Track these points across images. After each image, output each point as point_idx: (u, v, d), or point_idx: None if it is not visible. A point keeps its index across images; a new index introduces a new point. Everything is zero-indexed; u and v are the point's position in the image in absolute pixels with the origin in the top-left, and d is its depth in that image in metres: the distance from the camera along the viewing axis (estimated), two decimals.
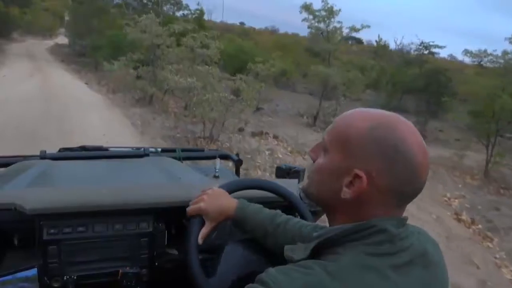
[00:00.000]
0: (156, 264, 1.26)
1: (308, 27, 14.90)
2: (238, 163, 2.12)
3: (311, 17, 14.34)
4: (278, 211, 1.15)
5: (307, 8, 14.34)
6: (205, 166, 2.13)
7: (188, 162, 2.20)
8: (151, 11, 12.67)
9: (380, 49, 24.28)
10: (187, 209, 1.15)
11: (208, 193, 1.14)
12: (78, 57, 23.06)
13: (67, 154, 1.88)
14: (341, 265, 0.69)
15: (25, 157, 1.78)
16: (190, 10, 22.60)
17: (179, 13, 23.82)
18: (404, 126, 0.74)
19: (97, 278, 1.19)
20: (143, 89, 11.20)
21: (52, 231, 1.14)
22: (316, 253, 0.74)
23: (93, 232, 1.18)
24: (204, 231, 1.11)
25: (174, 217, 1.29)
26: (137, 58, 11.26)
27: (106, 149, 1.99)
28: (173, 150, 2.10)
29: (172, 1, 22.52)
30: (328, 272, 0.68)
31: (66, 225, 1.15)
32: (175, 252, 1.29)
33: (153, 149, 2.02)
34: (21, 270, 1.10)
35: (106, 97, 11.96)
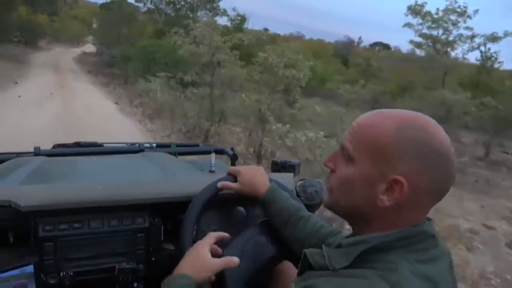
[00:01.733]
0: (153, 259, 1.26)
1: (419, 35, 11.22)
2: (233, 158, 2.07)
3: (420, 21, 10.95)
4: (303, 205, 1.15)
5: (416, 10, 10.93)
6: (200, 161, 2.04)
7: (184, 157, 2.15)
8: (191, 20, 10.11)
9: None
10: (229, 168, 1.22)
11: (249, 166, 1.21)
12: (106, 67, 21.69)
13: (62, 151, 1.85)
14: (401, 275, 0.66)
15: (19, 154, 1.74)
16: (228, 15, 20.38)
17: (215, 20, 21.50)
18: (432, 123, 0.73)
19: (93, 274, 1.18)
20: (198, 122, 8.82)
21: (47, 227, 1.13)
22: (357, 261, 0.70)
23: (89, 228, 1.17)
24: (229, 184, 1.16)
25: (170, 212, 1.28)
26: (182, 76, 8.84)
27: (101, 145, 1.94)
28: (168, 146, 2.05)
29: (208, 6, 20.37)
30: (389, 283, 0.65)
31: (61, 221, 1.15)
32: (171, 247, 1.27)
33: (148, 145, 1.99)
34: (17, 267, 1.09)
35: (143, 125, 9.77)
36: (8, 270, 1.08)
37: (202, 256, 0.95)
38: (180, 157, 2.02)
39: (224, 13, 21.12)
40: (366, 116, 0.76)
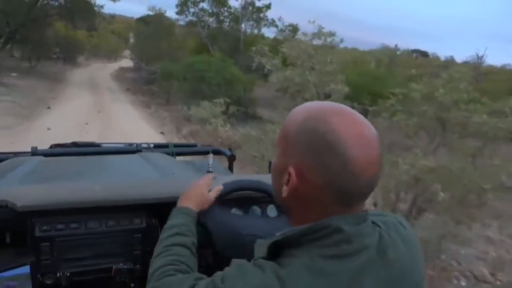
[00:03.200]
0: (150, 260, 1.16)
1: None
2: (231, 158, 2.05)
3: None
4: None
5: None
6: (198, 162, 2.03)
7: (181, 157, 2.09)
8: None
9: None
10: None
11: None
12: (145, 84, 20.30)
13: (59, 151, 1.83)
14: (292, 269, 0.67)
15: (16, 154, 1.73)
16: (276, 26, 18.52)
17: (261, 31, 19.64)
18: (340, 116, 0.69)
19: (90, 275, 1.18)
20: None
21: (44, 228, 1.13)
22: (275, 253, 0.72)
23: (86, 229, 1.17)
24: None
25: (167, 213, 1.19)
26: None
27: (98, 145, 1.93)
28: (166, 146, 2.03)
29: (254, 17, 18.60)
30: (278, 277, 0.66)
31: (58, 221, 1.14)
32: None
33: (145, 145, 1.97)
34: (14, 268, 1.08)
35: None
36: (5, 271, 1.07)
37: (203, 195, 1.08)
38: (178, 158, 1.99)
39: (273, 23, 19.34)
40: (295, 108, 0.75)
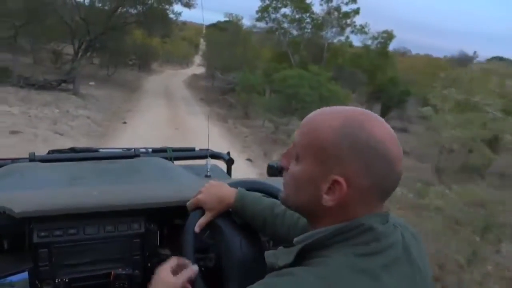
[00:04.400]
0: (149, 265, 1.24)
1: None
2: (229, 162, 2.04)
3: None
4: (276, 201, 1.09)
5: None
6: (196, 166, 1.99)
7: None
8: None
9: None
10: (187, 204, 1.12)
11: (206, 186, 1.13)
12: (219, 93, 19.17)
13: (57, 156, 1.82)
14: (331, 269, 0.66)
15: (13, 160, 1.72)
16: (366, 32, 16.58)
17: (349, 38, 17.79)
18: (371, 119, 0.71)
19: (89, 281, 1.17)
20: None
21: (42, 234, 1.12)
22: (301, 258, 0.71)
23: (84, 234, 1.16)
24: (202, 220, 1.08)
25: (166, 218, 1.28)
26: None
27: (96, 150, 1.92)
28: (164, 150, 2.02)
29: (340, 23, 16.82)
30: (317, 277, 0.65)
31: (56, 227, 1.13)
32: (168, 252, 1.26)
33: (143, 150, 1.95)
34: (12, 274, 1.07)
35: None
36: (3, 277, 1.06)
37: (164, 279, 0.95)
38: (176, 162, 1.98)
39: (361, 30, 17.44)
40: (313, 114, 0.75)
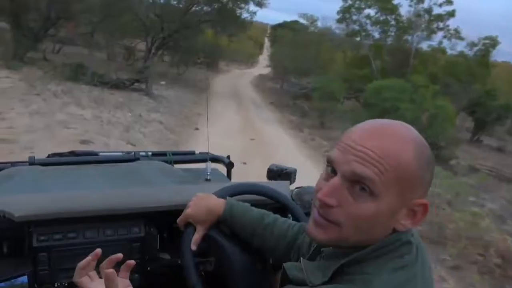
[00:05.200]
0: (149, 269, 1.25)
1: None
2: (229, 166, 2.03)
3: None
4: (266, 212, 1.12)
5: None
6: (196, 170, 1.96)
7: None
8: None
9: None
10: (177, 220, 1.13)
11: (194, 199, 1.12)
12: (289, 98, 18.16)
13: (57, 160, 1.81)
14: (379, 285, 0.65)
15: (13, 163, 1.70)
16: (462, 38, 14.61)
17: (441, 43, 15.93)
18: (419, 135, 0.71)
19: None
20: None
21: (42, 238, 1.12)
22: (337, 274, 0.70)
23: (84, 238, 1.17)
24: (196, 236, 1.08)
25: (165, 221, 1.28)
26: None
27: (96, 154, 1.91)
28: (164, 154, 2.01)
29: (433, 26, 15.01)
30: None
31: (56, 231, 1.14)
32: (167, 256, 1.27)
33: (143, 153, 1.95)
34: (11, 278, 1.07)
35: None
36: (2, 281, 1.06)
37: None
38: (176, 166, 1.97)
39: (457, 35, 15.47)
40: (378, 139, 0.67)
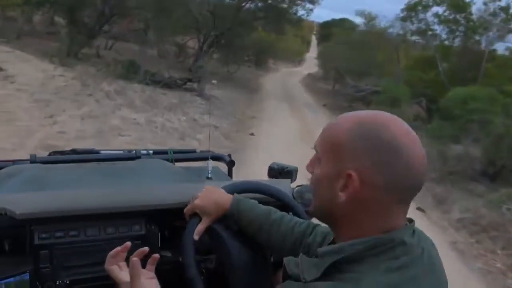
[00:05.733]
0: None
1: None
2: (230, 164, 2.03)
3: None
4: (273, 208, 1.13)
5: None
6: (197, 168, 1.97)
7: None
8: None
9: None
10: (184, 210, 1.16)
11: (202, 191, 1.14)
12: (343, 99, 17.23)
13: (58, 158, 1.81)
14: (367, 285, 0.65)
15: (14, 161, 1.71)
16: None
17: None
18: (392, 120, 0.72)
19: (90, 282, 1.18)
20: None
21: (43, 235, 1.12)
22: (329, 272, 0.70)
23: (85, 236, 1.17)
24: (200, 227, 1.11)
25: (167, 219, 1.28)
26: None
27: (97, 152, 1.91)
28: (165, 152, 2.01)
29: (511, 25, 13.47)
30: None
31: (57, 229, 1.14)
32: (168, 254, 1.28)
33: (144, 151, 1.95)
34: (13, 276, 1.07)
35: None
36: (3, 279, 1.05)
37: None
38: (177, 164, 1.97)
39: None
40: (332, 119, 0.78)
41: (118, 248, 1.01)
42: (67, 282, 1.13)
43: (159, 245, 1.25)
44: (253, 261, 1.06)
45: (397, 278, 0.65)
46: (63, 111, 6.83)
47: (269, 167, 1.67)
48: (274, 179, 1.58)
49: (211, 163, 1.74)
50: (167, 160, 1.90)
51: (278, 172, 1.62)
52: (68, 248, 1.13)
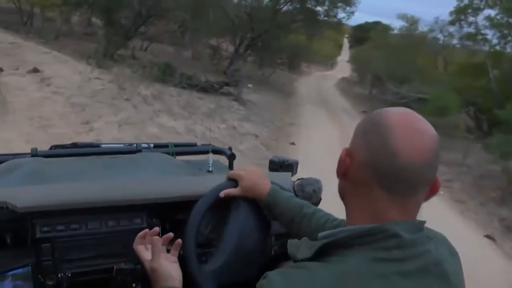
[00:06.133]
0: None
1: None
2: (231, 157, 2.02)
3: None
4: (307, 203, 1.14)
5: None
6: (198, 161, 1.94)
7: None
8: None
9: None
10: (229, 174, 1.18)
11: (249, 169, 1.17)
12: (381, 105, 16.20)
13: (59, 151, 1.81)
14: (347, 269, 0.67)
15: (15, 155, 1.71)
16: None
17: None
18: (399, 113, 0.72)
19: (91, 275, 1.19)
20: None
21: (45, 229, 1.13)
22: (321, 254, 0.72)
23: (86, 229, 1.17)
24: (232, 191, 1.13)
25: (168, 213, 1.29)
26: None
27: (98, 146, 1.92)
28: (166, 146, 1.99)
29: None
30: (331, 275, 0.66)
31: (59, 222, 1.15)
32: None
33: (145, 145, 1.94)
34: (15, 269, 1.08)
35: None
36: (5, 272, 1.06)
37: (163, 270, 0.97)
38: (178, 157, 1.96)
39: None
40: None
41: (147, 230, 1.05)
42: (69, 275, 1.14)
43: None
44: (251, 247, 1.08)
45: (384, 269, 0.65)
46: (99, 117, 6.50)
47: (270, 160, 1.67)
48: (275, 172, 1.58)
49: (212, 157, 1.74)
50: (168, 153, 1.89)
51: (279, 165, 1.62)
52: (70, 241, 1.14)
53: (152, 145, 1.93)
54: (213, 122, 8.12)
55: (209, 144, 1.96)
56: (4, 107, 6.06)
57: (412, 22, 19.28)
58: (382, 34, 22.58)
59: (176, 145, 1.98)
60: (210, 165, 1.70)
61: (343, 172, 0.73)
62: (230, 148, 2.04)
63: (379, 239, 0.67)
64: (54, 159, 1.68)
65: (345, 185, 0.75)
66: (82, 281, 1.16)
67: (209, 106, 9.45)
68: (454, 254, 0.77)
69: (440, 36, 18.63)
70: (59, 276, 1.12)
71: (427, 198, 0.73)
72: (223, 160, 2.04)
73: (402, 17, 19.16)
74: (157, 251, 0.97)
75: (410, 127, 0.69)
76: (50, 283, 1.11)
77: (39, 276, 1.10)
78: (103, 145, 1.90)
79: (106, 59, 11.75)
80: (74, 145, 1.85)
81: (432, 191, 0.72)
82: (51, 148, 1.84)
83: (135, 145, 1.88)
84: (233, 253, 1.05)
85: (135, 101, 7.80)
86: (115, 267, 1.17)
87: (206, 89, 11.42)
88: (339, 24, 17.15)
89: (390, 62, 17.89)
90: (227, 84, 12.01)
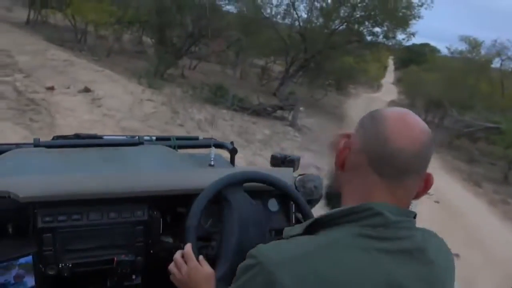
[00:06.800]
0: (151, 251, 1.26)
1: None
2: (232, 152, 2.02)
3: None
4: None
5: None
6: (200, 155, 1.97)
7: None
8: None
9: None
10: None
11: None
12: (439, 133, 15.22)
13: (61, 142, 1.80)
14: (330, 241, 0.69)
15: (18, 145, 1.71)
16: None
17: None
18: (399, 110, 0.75)
19: (92, 266, 1.18)
20: None
21: (47, 219, 1.12)
22: (311, 231, 0.74)
23: (88, 220, 1.17)
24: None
25: (169, 206, 1.29)
26: None
27: (100, 137, 1.90)
28: (168, 139, 1.99)
29: None
30: (316, 245, 0.69)
31: (61, 213, 1.14)
32: (170, 240, 1.27)
33: (147, 137, 1.93)
34: (16, 258, 1.08)
35: None
36: (7, 261, 1.06)
37: (201, 274, 0.96)
38: (180, 151, 1.95)
39: None
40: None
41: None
42: (70, 265, 1.14)
43: (161, 231, 1.24)
44: (250, 241, 1.02)
45: (368, 244, 0.67)
46: None
47: (272, 156, 1.65)
48: (276, 167, 1.56)
49: (214, 151, 1.74)
50: (170, 146, 1.88)
51: (281, 161, 1.60)
52: (71, 232, 1.14)
53: (154, 138, 1.93)
54: (270, 150, 7.44)
55: (211, 138, 1.97)
56: (52, 131, 5.63)
57: (475, 44, 18.00)
58: (439, 57, 21.33)
59: (178, 138, 1.97)
60: (212, 159, 1.71)
61: (341, 162, 0.75)
62: (232, 143, 2.03)
63: (365, 216, 0.69)
64: (56, 150, 1.67)
65: (342, 176, 0.76)
66: (83, 271, 1.16)
67: (264, 131, 8.79)
68: (445, 251, 0.78)
69: (497, 59, 17.34)
70: (60, 266, 1.13)
71: (419, 193, 0.75)
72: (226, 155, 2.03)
73: (465, 39, 17.91)
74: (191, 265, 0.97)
75: (403, 119, 0.71)
76: (51, 272, 1.12)
77: (40, 266, 1.11)
78: (105, 137, 1.89)
79: (157, 78, 11.43)
80: (77, 136, 1.84)
81: (425, 186, 0.74)
82: (53, 138, 1.83)
83: (137, 137, 1.87)
84: (235, 253, 1.00)
85: (189, 127, 7.25)
86: (116, 258, 1.17)
87: (258, 112, 10.80)
88: (398, 45, 16.17)
89: (449, 86, 16.76)
90: (281, 108, 11.34)
